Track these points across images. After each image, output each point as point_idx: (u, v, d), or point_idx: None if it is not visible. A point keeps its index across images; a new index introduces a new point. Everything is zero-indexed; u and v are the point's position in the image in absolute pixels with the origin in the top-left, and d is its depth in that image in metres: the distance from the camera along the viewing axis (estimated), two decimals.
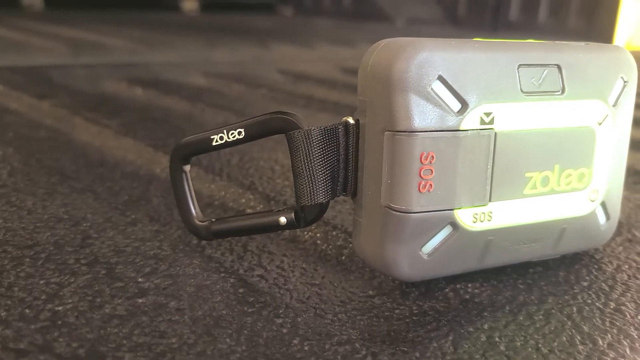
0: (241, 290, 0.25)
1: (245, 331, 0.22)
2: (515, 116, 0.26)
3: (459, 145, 0.25)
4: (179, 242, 0.30)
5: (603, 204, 0.29)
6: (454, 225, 0.26)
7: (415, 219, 0.25)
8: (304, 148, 0.26)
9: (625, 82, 0.29)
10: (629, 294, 0.27)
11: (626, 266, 0.30)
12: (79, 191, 0.36)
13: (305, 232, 0.33)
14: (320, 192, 0.26)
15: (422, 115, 0.24)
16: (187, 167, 0.30)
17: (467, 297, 0.27)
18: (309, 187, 0.26)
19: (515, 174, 0.26)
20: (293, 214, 0.27)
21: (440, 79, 0.24)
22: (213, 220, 0.29)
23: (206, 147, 0.28)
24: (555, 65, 0.27)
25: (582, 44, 0.29)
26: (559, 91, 0.27)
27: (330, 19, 2.37)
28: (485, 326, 0.24)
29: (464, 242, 0.26)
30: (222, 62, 0.98)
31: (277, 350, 0.21)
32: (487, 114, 0.25)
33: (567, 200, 0.28)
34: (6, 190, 0.35)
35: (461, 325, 0.24)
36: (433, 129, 0.24)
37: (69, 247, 0.28)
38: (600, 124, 0.28)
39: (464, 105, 0.25)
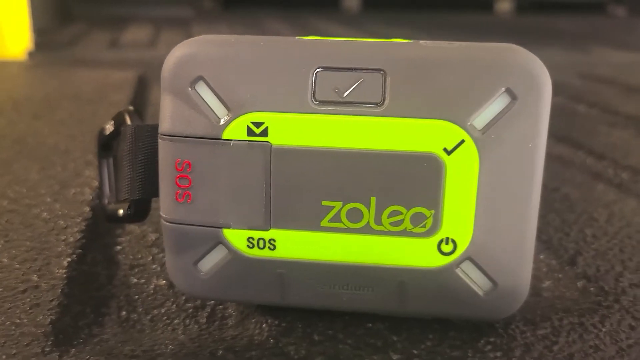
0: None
1: None
2: (302, 130, 0.21)
3: (220, 156, 0.22)
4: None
5: (474, 263, 0.22)
6: (227, 246, 0.23)
7: (176, 230, 0.23)
8: (127, 143, 0.26)
9: (512, 98, 0.21)
10: None
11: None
12: (67, 162, 0.41)
13: None
14: (137, 188, 0.26)
15: (179, 118, 0.22)
16: (110, 152, 0.33)
17: (257, 331, 0.23)
18: (126, 182, 0.26)
19: (305, 200, 0.22)
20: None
21: (204, 80, 0.22)
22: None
23: (103, 137, 0.30)
24: (379, 70, 0.21)
25: (445, 43, 0.22)
26: (376, 104, 0.21)
27: None
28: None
29: (245, 270, 0.23)
30: None
31: None
32: (258, 124, 0.21)
33: (398, 245, 0.22)
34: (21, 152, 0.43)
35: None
36: (190, 135, 0.22)
37: None
38: (450, 152, 0.21)
39: (230, 111, 0.22)
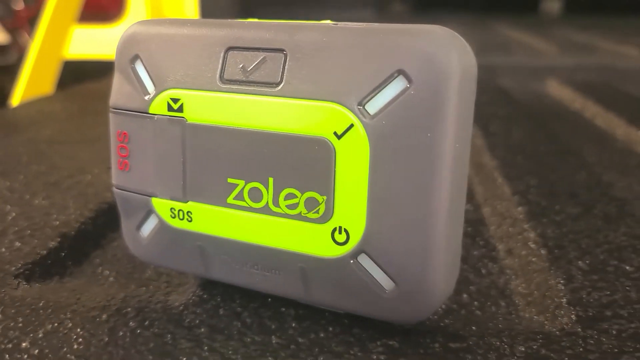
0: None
1: None
2: (209, 108, 0.22)
3: (147, 129, 0.23)
4: None
5: (371, 257, 0.21)
6: (156, 215, 0.24)
7: (120, 196, 0.25)
8: None
9: (408, 82, 0.19)
10: None
11: None
12: None
13: None
14: None
15: (121, 93, 0.24)
16: None
17: (181, 298, 0.25)
18: None
19: (213, 176, 0.22)
20: None
21: (139, 58, 0.24)
22: None
23: None
24: (281, 50, 0.21)
25: (358, 24, 0.20)
26: (274, 84, 0.21)
27: None
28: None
29: (171, 239, 0.24)
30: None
31: None
32: (175, 101, 0.23)
33: (294, 229, 0.21)
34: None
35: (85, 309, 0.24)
36: (127, 109, 0.24)
37: None
38: (340, 137, 0.20)
39: (155, 87, 0.23)
